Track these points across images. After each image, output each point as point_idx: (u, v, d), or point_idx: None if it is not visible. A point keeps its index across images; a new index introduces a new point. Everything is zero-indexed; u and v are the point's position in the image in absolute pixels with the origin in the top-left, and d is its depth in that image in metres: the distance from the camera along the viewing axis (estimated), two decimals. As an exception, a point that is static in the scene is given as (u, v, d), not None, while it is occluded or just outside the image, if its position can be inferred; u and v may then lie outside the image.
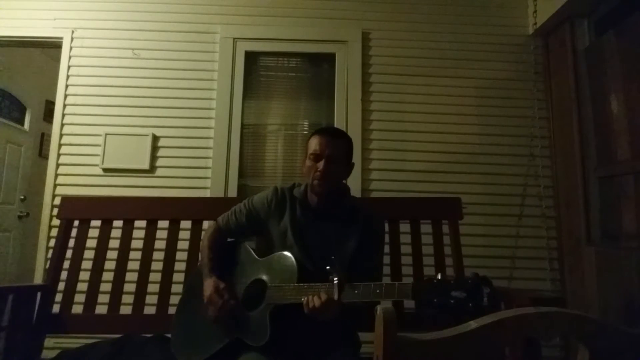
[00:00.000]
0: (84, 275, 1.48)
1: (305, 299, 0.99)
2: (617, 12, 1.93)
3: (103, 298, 1.45)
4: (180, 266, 1.49)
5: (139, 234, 1.53)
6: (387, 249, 1.37)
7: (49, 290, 1.43)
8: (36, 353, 1.36)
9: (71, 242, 1.51)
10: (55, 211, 2.04)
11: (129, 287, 1.47)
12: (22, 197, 3.07)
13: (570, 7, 2.01)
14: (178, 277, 1.47)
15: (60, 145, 2.16)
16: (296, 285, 1.05)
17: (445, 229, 1.50)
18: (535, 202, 2.16)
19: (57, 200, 2.05)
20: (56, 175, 2.14)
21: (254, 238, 1.38)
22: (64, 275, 1.47)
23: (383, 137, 2.22)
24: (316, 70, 2.36)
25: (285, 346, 1.06)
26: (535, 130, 2.21)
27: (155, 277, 1.48)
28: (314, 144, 1.16)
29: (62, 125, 2.18)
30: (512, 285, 2.05)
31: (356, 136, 2.16)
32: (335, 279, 0.99)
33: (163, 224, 1.54)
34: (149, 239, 1.52)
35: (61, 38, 2.25)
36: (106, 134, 2.16)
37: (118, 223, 1.54)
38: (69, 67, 2.23)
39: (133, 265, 1.50)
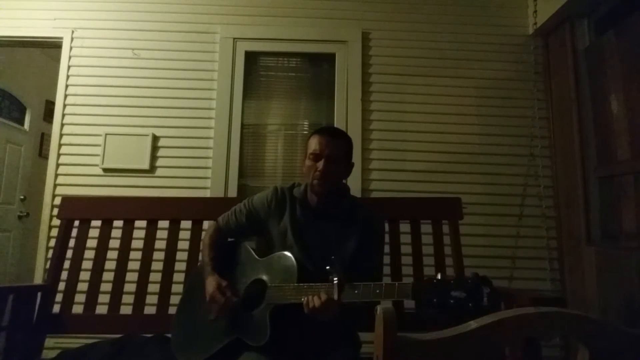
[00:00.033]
0: (84, 275, 1.48)
1: (305, 299, 0.99)
2: (617, 12, 1.93)
3: (103, 298, 1.45)
4: (180, 266, 1.49)
5: (139, 234, 1.53)
6: (387, 249, 1.37)
7: (49, 290, 1.43)
8: (36, 353, 1.36)
9: (71, 242, 1.51)
10: (55, 211, 2.05)
11: (129, 287, 1.47)
12: (22, 197, 3.07)
13: (570, 7, 2.01)
14: (178, 277, 1.47)
15: (60, 145, 2.16)
16: (296, 285, 1.05)
17: (446, 229, 1.50)
18: (535, 202, 2.16)
19: (57, 200, 2.05)
20: (56, 175, 2.14)
21: (254, 238, 1.38)
22: (64, 275, 1.47)
23: (383, 137, 2.22)
24: (316, 70, 2.36)
25: (285, 346, 1.06)
26: (535, 130, 2.21)
27: (155, 277, 1.48)
28: (313, 143, 1.16)
29: (62, 125, 2.18)
30: (512, 285, 2.05)
31: (356, 136, 2.16)
32: (335, 279, 0.99)
33: (163, 224, 1.54)
34: (149, 239, 1.52)
35: (61, 38, 2.25)
36: (106, 134, 2.16)
37: (118, 223, 1.54)
38: (69, 67, 2.23)
39: (133, 265, 1.50)
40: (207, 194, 2.13)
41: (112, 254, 1.50)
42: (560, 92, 2.17)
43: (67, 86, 2.21)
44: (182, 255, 1.50)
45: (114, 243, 1.52)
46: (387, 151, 2.20)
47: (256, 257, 1.19)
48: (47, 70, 3.02)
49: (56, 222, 2.01)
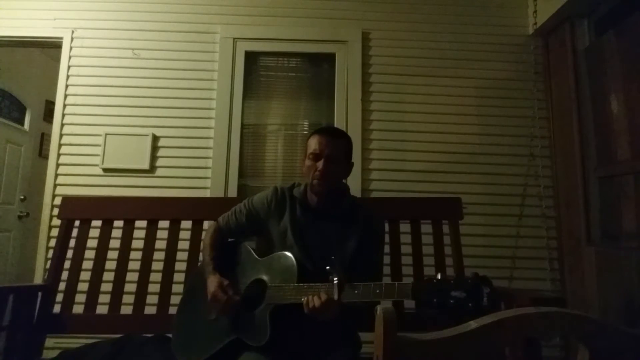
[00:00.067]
0: (85, 275, 1.48)
1: (305, 299, 0.99)
2: (617, 12, 1.93)
3: (104, 298, 1.45)
4: (180, 266, 1.49)
5: (139, 234, 1.53)
6: (387, 249, 1.37)
7: (50, 290, 1.43)
8: (37, 353, 1.36)
9: (72, 242, 1.51)
10: (56, 211, 2.05)
11: (130, 287, 1.47)
12: (22, 197, 3.07)
13: (570, 7, 2.01)
14: (178, 277, 1.47)
15: (60, 145, 2.16)
16: (296, 285, 1.05)
17: (446, 229, 1.50)
18: (535, 202, 2.16)
19: (57, 200, 2.06)
20: (56, 175, 2.14)
21: (254, 238, 1.38)
22: (64, 275, 1.47)
23: (383, 137, 2.22)
24: (316, 70, 2.37)
25: (286, 346, 1.06)
26: (535, 130, 2.21)
27: (155, 277, 1.48)
28: (313, 143, 1.16)
29: (62, 125, 2.18)
30: (512, 285, 2.05)
31: (356, 136, 2.16)
32: (335, 279, 0.99)
33: (163, 224, 1.54)
34: (150, 239, 1.52)
35: (61, 38, 2.25)
36: (106, 134, 2.16)
37: (119, 223, 1.54)
38: (69, 67, 2.23)
39: (134, 265, 1.50)
40: (207, 194, 2.13)
41: (113, 254, 1.50)
42: (560, 92, 2.17)
43: (67, 86, 2.21)
44: (182, 255, 1.50)
45: (115, 243, 1.52)
46: (387, 151, 2.20)
47: (256, 257, 1.19)
48: (47, 70, 3.02)
49: (56, 222, 2.02)
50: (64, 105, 2.20)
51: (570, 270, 2.04)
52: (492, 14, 2.34)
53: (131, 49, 2.25)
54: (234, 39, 2.28)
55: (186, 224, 1.54)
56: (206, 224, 1.53)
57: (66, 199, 1.58)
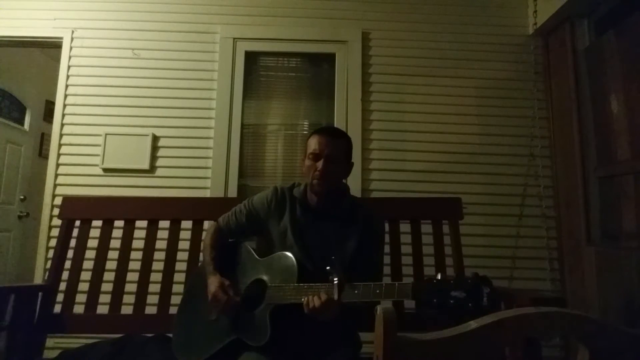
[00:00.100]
0: (85, 275, 1.48)
1: (306, 299, 0.99)
2: (617, 12, 1.93)
3: (104, 298, 1.45)
4: (181, 266, 1.49)
5: (140, 234, 1.53)
6: (387, 249, 1.37)
7: (51, 290, 1.43)
8: (37, 353, 1.36)
9: (72, 242, 1.51)
10: (56, 211, 2.05)
11: (130, 287, 1.47)
12: (22, 197, 3.08)
13: (570, 7, 2.01)
14: (179, 277, 1.47)
15: (60, 145, 2.17)
16: (296, 285, 1.05)
17: (446, 229, 1.50)
18: (535, 202, 2.16)
19: (57, 200, 2.06)
20: (56, 175, 2.14)
21: (254, 238, 1.38)
22: (65, 275, 1.47)
23: (383, 137, 2.22)
24: (316, 70, 2.37)
25: (286, 346, 1.06)
26: (535, 130, 2.21)
27: (156, 277, 1.48)
28: (313, 143, 1.16)
29: (62, 125, 2.18)
30: (512, 285, 2.05)
31: (356, 136, 2.16)
32: (335, 279, 0.99)
33: (164, 224, 1.54)
34: (150, 239, 1.52)
35: (61, 38, 2.25)
36: (106, 134, 2.16)
37: (119, 223, 1.54)
38: (69, 67, 2.23)
39: (134, 265, 1.50)
40: (207, 194, 2.13)
41: (113, 254, 1.50)
42: (560, 92, 2.17)
43: (67, 86, 2.21)
44: (182, 255, 1.50)
45: (115, 243, 1.52)
46: (387, 151, 2.20)
47: (256, 257, 1.19)
48: (47, 70, 3.02)
49: (56, 222, 2.02)
50: (64, 105, 2.20)
51: (570, 270, 2.04)
52: (492, 14, 2.34)
53: (131, 49, 2.25)
54: (234, 39, 2.28)
55: (186, 224, 1.54)
56: (206, 224, 1.53)
57: (67, 199, 1.58)
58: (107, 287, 1.47)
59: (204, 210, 1.58)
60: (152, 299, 1.46)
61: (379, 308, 0.61)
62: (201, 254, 1.32)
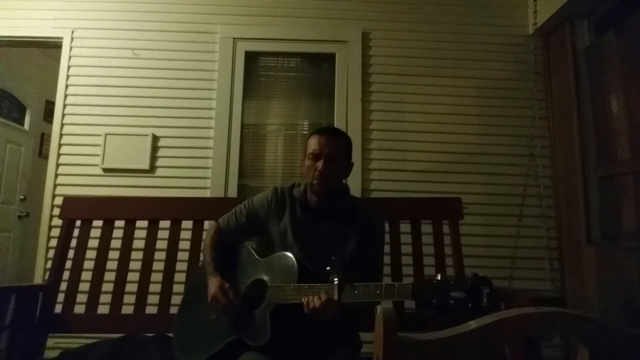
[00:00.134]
0: (86, 275, 1.48)
1: (306, 299, 0.99)
2: (617, 12, 1.93)
3: (105, 298, 1.46)
4: (181, 266, 1.49)
5: (140, 234, 1.53)
6: (387, 249, 1.37)
7: (51, 290, 1.44)
8: (38, 353, 1.36)
9: (73, 242, 1.51)
10: (55, 211, 2.05)
11: (131, 287, 1.47)
12: (22, 197, 3.08)
13: (570, 7, 2.01)
14: (179, 277, 1.47)
15: (60, 145, 2.17)
16: (296, 285, 1.05)
17: (446, 229, 1.50)
18: (535, 202, 2.16)
19: (57, 200, 2.06)
20: (56, 175, 2.14)
21: (254, 238, 1.38)
22: (65, 275, 1.48)
23: (383, 137, 2.22)
24: (316, 70, 2.37)
25: (286, 346, 1.06)
26: (535, 130, 2.21)
27: (156, 277, 1.48)
28: (312, 143, 1.16)
29: (62, 125, 2.18)
30: (513, 285, 2.05)
31: (356, 136, 2.16)
32: (336, 279, 0.99)
33: (164, 224, 1.55)
34: (151, 239, 1.52)
35: (61, 38, 2.25)
36: (106, 134, 2.16)
37: (119, 223, 1.54)
38: (69, 67, 2.23)
39: (135, 265, 1.50)
40: (207, 194, 2.13)
41: (114, 254, 1.51)
42: (560, 92, 2.17)
43: (67, 86, 2.21)
44: (183, 255, 1.50)
45: (116, 243, 1.52)
46: (387, 151, 2.21)
47: (257, 257, 1.20)
48: (47, 70, 3.02)
49: (56, 222, 2.02)
50: (64, 105, 2.20)
51: (570, 270, 2.04)
52: (492, 14, 2.34)
53: (131, 49, 2.25)
54: (234, 39, 2.28)
55: (187, 224, 1.54)
56: (207, 224, 1.53)
57: (67, 199, 1.58)
58: (107, 287, 1.47)
59: (204, 210, 1.58)
60: (153, 298, 1.46)
61: (379, 308, 0.61)
62: (201, 254, 1.32)
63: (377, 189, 2.16)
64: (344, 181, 1.28)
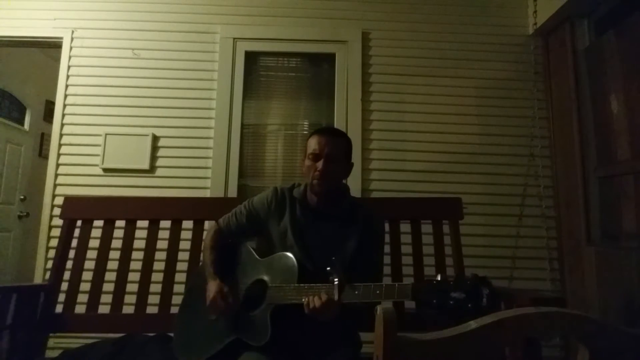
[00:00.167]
0: (87, 275, 1.48)
1: (306, 299, 0.99)
2: (617, 12, 1.93)
3: (105, 298, 1.46)
4: (182, 266, 1.49)
5: (141, 234, 1.53)
6: (387, 249, 1.37)
7: (52, 289, 1.44)
8: (39, 352, 1.36)
9: (74, 242, 1.52)
10: (55, 211, 2.06)
11: (131, 287, 1.48)
12: (22, 197, 3.08)
13: (570, 7, 2.01)
14: (180, 277, 1.47)
15: (60, 145, 2.17)
16: (297, 285, 1.05)
17: (446, 229, 1.50)
18: (535, 202, 2.16)
19: (57, 200, 2.06)
20: (56, 175, 2.14)
21: (254, 238, 1.38)
22: (66, 275, 1.48)
23: (383, 137, 2.22)
24: (316, 70, 2.37)
25: (286, 346, 1.06)
26: (535, 130, 2.21)
27: (157, 277, 1.49)
28: (312, 143, 1.16)
29: (62, 125, 2.18)
30: (513, 285, 2.05)
31: (356, 136, 2.16)
32: (336, 279, 0.99)
33: (165, 224, 1.55)
34: (151, 239, 1.52)
35: (61, 38, 2.25)
36: (106, 134, 2.16)
37: (120, 223, 1.54)
38: (69, 67, 2.23)
39: (135, 265, 1.50)
40: (207, 194, 2.13)
41: (114, 254, 1.51)
42: (560, 92, 2.17)
43: (67, 86, 2.21)
44: (183, 255, 1.51)
45: (116, 243, 1.52)
46: (387, 151, 2.21)
47: (257, 257, 1.20)
48: (47, 70, 3.02)
49: (56, 222, 2.03)
50: (64, 105, 2.20)
51: (570, 270, 2.04)
52: (492, 14, 2.34)
53: (131, 49, 2.25)
54: (234, 39, 2.28)
55: (187, 224, 1.54)
56: (207, 224, 1.53)
57: (68, 199, 1.59)
58: (108, 287, 1.47)
59: (205, 210, 1.58)
60: (153, 298, 1.46)
61: (379, 308, 0.61)
62: (202, 255, 1.32)
63: (377, 189, 2.16)
64: (344, 181, 1.28)
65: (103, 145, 2.15)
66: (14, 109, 3.11)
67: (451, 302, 0.82)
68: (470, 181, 2.18)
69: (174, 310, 1.36)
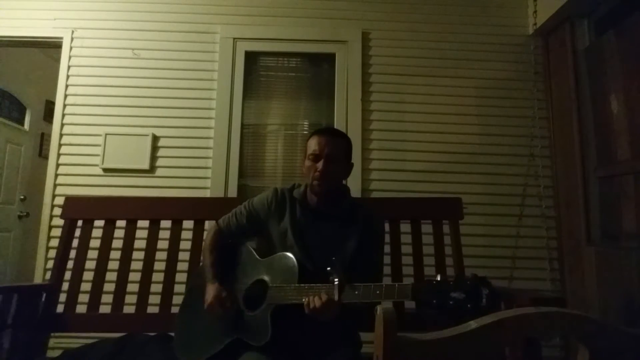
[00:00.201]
0: (88, 275, 1.48)
1: (306, 299, 0.99)
2: (617, 12, 1.93)
3: (106, 298, 1.46)
4: (182, 266, 1.50)
5: (141, 234, 1.53)
6: (387, 249, 1.37)
7: (53, 289, 1.44)
8: (40, 352, 1.37)
9: (74, 242, 1.52)
10: (56, 211, 2.06)
11: (132, 287, 1.48)
12: (22, 197, 3.08)
13: (570, 7, 2.01)
14: (180, 276, 1.48)
15: (60, 145, 2.17)
16: (297, 285, 1.05)
17: (446, 229, 1.50)
18: (535, 202, 2.16)
19: (57, 200, 2.06)
20: (56, 175, 2.14)
21: (254, 238, 1.38)
22: (67, 275, 1.48)
23: (383, 137, 2.22)
24: (316, 70, 2.37)
25: (286, 346, 1.07)
26: (535, 130, 2.21)
27: (158, 276, 1.49)
28: (313, 144, 1.16)
29: (62, 125, 2.18)
30: (512, 285, 2.05)
31: (356, 136, 2.16)
32: (336, 279, 0.99)
33: (165, 224, 1.55)
34: (152, 238, 1.53)
35: (61, 38, 2.25)
36: (106, 134, 2.16)
37: (121, 223, 1.54)
38: (69, 67, 2.23)
39: (136, 265, 1.50)
40: (207, 194, 2.13)
41: (115, 254, 1.51)
42: (560, 92, 2.17)
43: (67, 86, 2.21)
44: (184, 255, 1.51)
45: (117, 243, 1.52)
46: (387, 151, 2.21)
47: (257, 257, 1.20)
48: (47, 70, 3.02)
49: (56, 222, 2.03)
50: (64, 105, 2.20)
51: (570, 270, 2.04)
52: (492, 14, 2.34)
53: (131, 49, 2.25)
54: (234, 39, 2.28)
55: (188, 224, 1.55)
56: (207, 224, 1.53)
57: (69, 199, 1.59)
58: (109, 286, 1.48)
59: (205, 210, 1.58)
60: (154, 298, 1.46)
61: (379, 308, 0.61)
62: (202, 255, 1.33)
63: (377, 189, 2.16)
64: (344, 182, 1.28)
65: (103, 145, 2.15)
66: (14, 109, 3.11)
67: (451, 302, 0.82)
68: (470, 181, 2.18)
69: (175, 310, 1.36)
